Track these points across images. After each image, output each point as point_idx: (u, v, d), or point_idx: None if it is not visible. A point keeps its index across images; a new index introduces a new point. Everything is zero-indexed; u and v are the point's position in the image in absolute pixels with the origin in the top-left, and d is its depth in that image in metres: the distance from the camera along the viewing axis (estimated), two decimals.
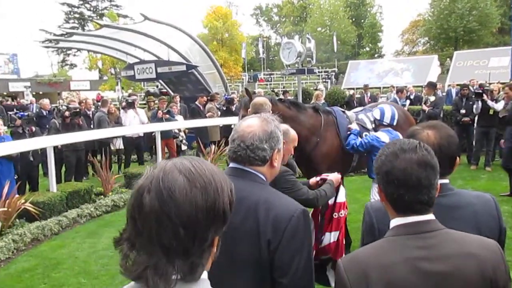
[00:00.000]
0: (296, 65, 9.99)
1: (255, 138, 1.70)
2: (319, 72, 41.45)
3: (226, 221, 1.00)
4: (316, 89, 31.03)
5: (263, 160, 1.72)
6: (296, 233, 1.58)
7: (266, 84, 42.12)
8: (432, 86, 9.34)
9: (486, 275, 1.36)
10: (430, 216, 1.45)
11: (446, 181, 1.81)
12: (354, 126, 5.02)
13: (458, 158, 1.88)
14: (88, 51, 22.74)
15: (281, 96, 15.80)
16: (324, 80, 40.27)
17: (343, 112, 5.41)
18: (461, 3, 42.32)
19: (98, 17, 50.72)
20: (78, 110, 8.61)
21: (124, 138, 10.00)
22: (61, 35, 18.60)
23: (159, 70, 13.90)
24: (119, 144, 10.21)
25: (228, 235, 1.59)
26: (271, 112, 4.00)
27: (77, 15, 54.48)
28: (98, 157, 8.97)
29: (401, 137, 4.53)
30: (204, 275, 1.00)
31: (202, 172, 0.95)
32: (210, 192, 0.94)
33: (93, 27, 31.05)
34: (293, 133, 3.23)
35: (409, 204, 1.42)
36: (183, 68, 13.42)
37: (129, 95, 11.88)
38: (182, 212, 0.90)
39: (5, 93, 39.69)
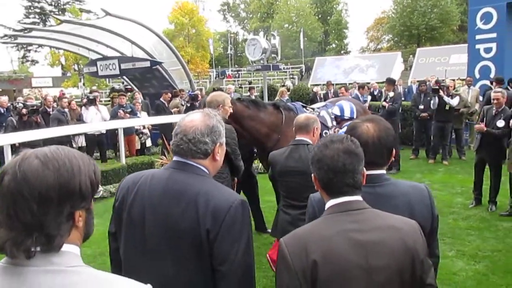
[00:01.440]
0: (262, 62, 10.02)
1: (197, 132, 1.76)
2: (286, 68, 41.69)
3: (86, 198, 1.10)
4: (283, 85, 31.43)
5: (205, 153, 1.78)
6: (235, 222, 1.65)
7: (234, 81, 42.09)
8: (391, 82, 9.59)
9: (408, 245, 1.52)
10: (358, 197, 1.62)
11: (383, 171, 1.94)
12: None
13: (394, 149, 1.98)
14: (49, 47, 22.14)
15: (246, 94, 15.97)
16: (291, 76, 40.57)
17: (305, 108, 5.51)
18: (423, 1, 43.50)
19: (60, 12, 49.27)
20: (35, 107, 8.40)
21: (86, 135, 9.83)
22: (20, 30, 17.98)
23: (123, 66, 13.70)
24: (81, 142, 10.02)
25: (170, 226, 1.68)
26: (224, 104, 4.02)
27: (37, 10, 52.77)
28: None
29: None
30: (75, 250, 1.12)
31: (57, 156, 1.07)
32: (63, 173, 1.05)
33: (54, 22, 30.26)
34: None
35: (338, 186, 1.59)
36: (147, 64, 13.28)
37: (91, 92, 11.66)
38: (34, 190, 1.02)
39: None
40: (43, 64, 44.94)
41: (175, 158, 1.83)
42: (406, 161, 9.96)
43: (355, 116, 4.88)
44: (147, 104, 11.96)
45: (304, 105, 5.67)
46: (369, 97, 10.80)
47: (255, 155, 5.63)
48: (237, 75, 44.11)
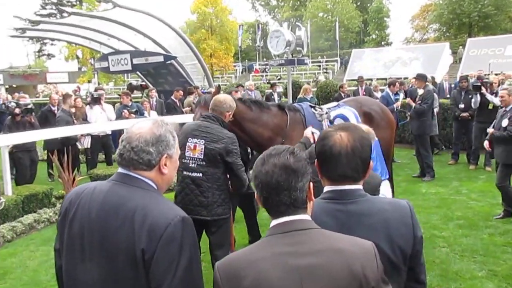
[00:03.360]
0: (285, 56, 9.96)
1: (141, 140, 1.78)
2: (317, 62, 41.45)
3: None
4: (315, 80, 31.17)
5: (148, 164, 1.79)
6: (172, 241, 1.64)
7: (262, 75, 42.22)
8: (421, 78, 9.24)
9: (354, 270, 1.49)
10: (301, 216, 1.59)
11: (357, 186, 1.89)
12: (308, 134, 4.43)
13: (371, 161, 1.95)
14: (58, 40, 22.73)
15: (269, 90, 15.91)
16: (324, 70, 40.32)
17: (313, 108, 5.46)
18: None
19: (78, 2, 50.58)
20: (29, 107, 8.62)
21: (91, 137, 10.03)
22: (32, 23, 18.56)
23: (135, 61, 13.97)
24: (87, 143, 10.23)
25: (106, 244, 1.69)
26: (231, 113, 4.12)
27: (54, 0, 54.34)
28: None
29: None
30: None
31: None
32: None
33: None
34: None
35: (274, 205, 1.59)
36: (161, 59, 13.50)
37: (96, 89, 11.87)
38: None
39: None
40: (60, 58, 46.18)
41: (118, 170, 1.85)
42: (443, 167, 9.73)
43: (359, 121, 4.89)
44: (162, 104, 12.04)
45: (313, 105, 5.60)
46: (402, 95, 10.55)
47: (250, 157, 5.54)
48: (265, 69, 44.15)
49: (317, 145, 1.92)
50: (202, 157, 3.85)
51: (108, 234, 1.71)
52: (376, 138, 4.49)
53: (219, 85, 5.11)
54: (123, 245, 1.66)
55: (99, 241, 1.72)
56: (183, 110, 10.91)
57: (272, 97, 13.59)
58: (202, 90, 11.58)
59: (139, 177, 1.80)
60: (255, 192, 1.64)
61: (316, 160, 1.90)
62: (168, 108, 11.13)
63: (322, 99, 14.26)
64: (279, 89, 18.49)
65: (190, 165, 3.89)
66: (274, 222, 1.60)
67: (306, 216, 1.60)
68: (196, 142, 3.88)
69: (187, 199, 3.89)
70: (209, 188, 3.85)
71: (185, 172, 3.92)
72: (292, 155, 1.61)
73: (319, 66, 41.79)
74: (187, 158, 3.90)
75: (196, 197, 3.87)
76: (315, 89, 16.15)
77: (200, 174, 3.86)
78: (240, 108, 4.64)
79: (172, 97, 11.28)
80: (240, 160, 3.97)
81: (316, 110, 5.44)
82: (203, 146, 3.84)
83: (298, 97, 12.14)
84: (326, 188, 1.88)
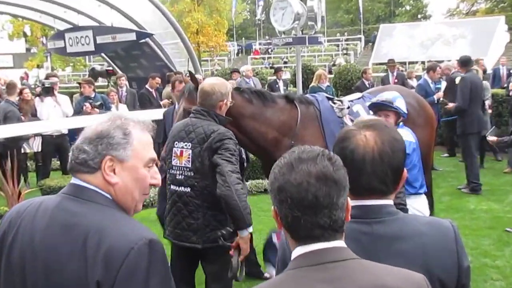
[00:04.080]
0: (294, 32, 9.94)
1: (81, 137, 1.83)
2: (334, 41, 41.47)
3: None
4: (334, 64, 31.16)
5: (84, 164, 1.79)
6: (136, 271, 1.63)
7: (263, 58, 42.21)
8: (464, 63, 9.10)
9: None
10: (337, 243, 1.56)
11: (386, 202, 1.89)
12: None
13: (404, 170, 1.94)
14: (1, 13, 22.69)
15: (272, 77, 15.89)
16: (345, 52, 40.35)
17: (331, 100, 5.45)
18: None
19: None
20: None
21: (42, 137, 9.98)
22: None
23: (99, 39, 13.88)
24: (37, 146, 10.19)
25: (52, 275, 1.69)
26: (228, 99, 4.03)
27: None
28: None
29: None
30: None
31: None
32: None
33: None
34: None
35: (307, 228, 1.53)
36: (133, 36, 13.36)
37: (48, 77, 11.78)
38: None
39: None
40: (2, 37, 46.14)
41: (71, 180, 1.86)
42: (497, 177, 9.78)
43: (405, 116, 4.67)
44: (134, 95, 11.99)
45: (330, 96, 5.62)
46: (444, 84, 10.56)
47: (245, 164, 5.50)
48: (268, 50, 44.08)
49: (334, 148, 1.90)
50: (189, 166, 3.81)
51: (55, 265, 1.69)
52: (414, 139, 4.49)
53: (190, 72, 5.00)
54: (73, 277, 1.65)
55: (44, 273, 1.71)
56: (161, 102, 10.72)
57: (277, 86, 13.53)
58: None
59: (88, 186, 1.79)
60: (272, 207, 1.62)
61: None
62: (141, 100, 11.10)
63: (341, 88, 14.34)
64: (286, 75, 18.43)
65: (177, 177, 3.87)
66: (301, 250, 1.56)
67: (342, 243, 1.57)
68: (182, 147, 3.86)
69: (174, 221, 3.88)
70: (198, 207, 3.79)
71: (172, 186, 3.91)
72: (330, 161, 1.57)
73: (338, 46, 41.81)
74: (174, 167, 3.89)
75: (184, 218, 3.82)
76: (332, 75, 16.11)
77: (188, 189, 3.81)
78: (237, 101, 4.56)
79: (147, 86, 11.25)
80: (235, 164, 3.80)
81: (334, 103, 5.40)
82: (190, 151, 3.81)
83: (311, 85, 12.11)
84: None
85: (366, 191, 1.81)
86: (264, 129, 4.89)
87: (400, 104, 4.53)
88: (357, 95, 6.13)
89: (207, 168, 3.75)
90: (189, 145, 3.81)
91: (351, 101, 5.68)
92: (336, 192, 1.53)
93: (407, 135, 4.43)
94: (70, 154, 1.82)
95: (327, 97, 5.50)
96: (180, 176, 3.84)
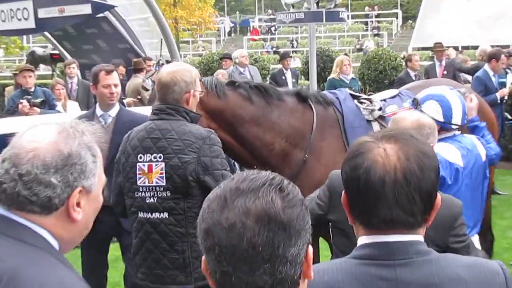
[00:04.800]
0: (306, 6, 10.05)
1: (36, 162, 1.78)
2: (361, 17, 41.91)
3: None
4: (360, 49, 31.43)
5: (45, 205, 1.80)
6: None
7: (264, 40, 42.54)
8: None
9: None
10: None
11: (414, 238, 1.95)
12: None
13: (438, 195, 2.00)
14: None
15: (277, 66, 15.74)
16: (375, 32, 40.86)
17: (357, 99, 5.51)
18: None
19: None
20: None
21: None
22: None
23: (42, 13, 13.91)
24: None
25: None
26: (195, 88, 4.04)
27: None
28: None
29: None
30: None
31: None
32: None
33: None
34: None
35: None
36: (87, 9, 13.31)
37: None
38: None
39: None
40: None
41: None
42: None
43: (465, 123, 4.74)
44: (88, 88, 11.78)
45: (356, 93, 5.77)
46: (511, 77, 10.59)
47: None
48: (270, 29, 44.54)
49: (343, 166, 1.97)
50: (164, 184, 3.85)
51: None
52: (462, 162, 4.43)
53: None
54: None
55: None
56: (125, 101, 10.85)
57: (283, 78, 13.53)
58: (158, 66, 11.36)
59: (25, 223, 1.81)
60: (202, 260, 1.57)
61: (344, 193, 1.97)
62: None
63: (370, 81, 14.46)
64: (295, 63, 18.49)
65: (147, 201, 3.91)
66: None
67: None
68: (151, 160, 3.89)
69: (150, 259, 3.93)
70: (182, 236, 3.86)
71: (141, 214, 3.95)
72: (280, 193, 1.51)
73: (366, 24, 42.20)
74: (141, 189, 3.92)
75: (164, 254, 3.89)
76: (358, 64, 16.21)
77: (165, 214, 3.87)
78: (231, 100, 4.73)
79: None
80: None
81: (362, 102, 5.46)
82: (163, 165, 3.84)
83: (329, 78, 12.18)
84: (361, 241, 1.95)
85: (387, 224, 1.88)
86: (269, 138, 4.97)
87: (429, 107, 4.51)
88: (392, 92, 6.23)
89: (190, 183, 3.82)
90: (160, 157, 3.87)
91: (384, 100, 5.76)
92: (284, 240, 1.48)
93: (449, 151, 4.43)
94: (16, 183, 1.77)
95: (351, 95, 5.57)
96: (152, 199, 3.90)
